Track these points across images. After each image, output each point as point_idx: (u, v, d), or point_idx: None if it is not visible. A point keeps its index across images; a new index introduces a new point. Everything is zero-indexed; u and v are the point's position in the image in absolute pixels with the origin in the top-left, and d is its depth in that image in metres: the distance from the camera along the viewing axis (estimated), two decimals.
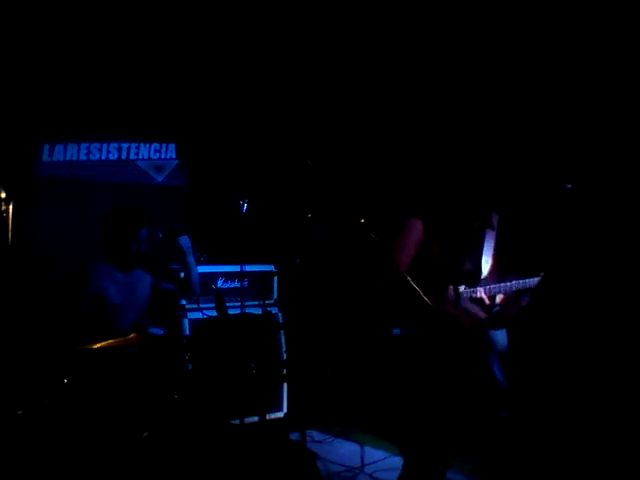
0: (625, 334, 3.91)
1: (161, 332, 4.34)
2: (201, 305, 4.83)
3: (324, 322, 5.25)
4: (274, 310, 5.21)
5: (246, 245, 4.69)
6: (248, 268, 4.97)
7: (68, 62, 4.83)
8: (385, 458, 4.49)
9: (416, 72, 5.01)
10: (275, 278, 5.24)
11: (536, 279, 3.41)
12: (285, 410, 5.13)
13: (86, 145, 5.21)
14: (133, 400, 3.44)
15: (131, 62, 5.10)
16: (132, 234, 3.91)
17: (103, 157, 5.30)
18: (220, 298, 4.00)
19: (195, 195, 5.75)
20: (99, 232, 3.97)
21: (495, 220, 3.69)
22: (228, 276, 5.02)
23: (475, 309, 3.55)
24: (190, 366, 3.73)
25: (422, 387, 3.44)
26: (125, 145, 5.42)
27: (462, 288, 3.61)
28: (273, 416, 5.01)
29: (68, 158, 5.13)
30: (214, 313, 4.33)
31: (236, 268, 4.91)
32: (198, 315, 4.78)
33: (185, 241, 4.14)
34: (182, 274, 4.27)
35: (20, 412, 3.26)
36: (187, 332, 4.73)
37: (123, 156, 5.41)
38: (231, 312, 4.18)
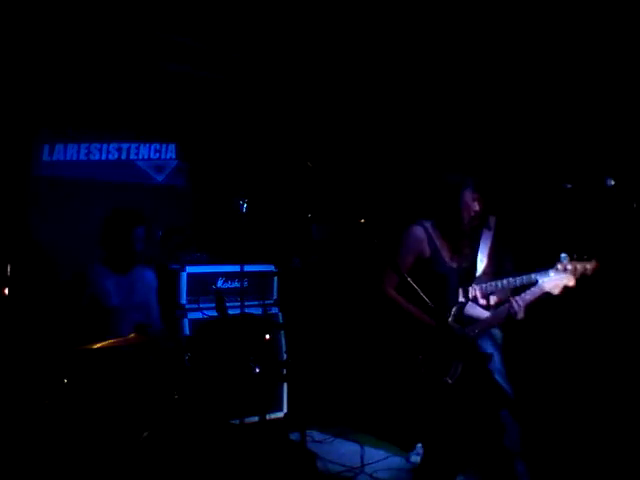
0: (625, 334, 3.91)
1: (160, 332, 4.33)
2: (201, 305, 4.83)
3: (324, 322, 5.25)
4: (274, 310, 5.21)
5: (246, 245, 4.69)
6: (248, 268, 4.97)
7: (68, 62, 4.82)
8: (385, 458, 4.49)
9: (416, 74, 5.01)
10: (275, 278, 5.24)
11: (532, 275, 3.41)
12: (285, 410, 5.13)
13: (86, 145, 5.21)
14: (133, 400, 3.44)
15: (131, 62, 5.09)
16: (127, 233, 3.91)
17: (103, 157, 5.30)
18: (220, 298, 4.00)
19: (195, 195, 5.75)
20: (98, 233, 3.98)
21: (492, 222, 3.71)
22: (228, 276, 5.01)
23: (478, 311, 3.56)
24: (190, 366, 3.72)
25: (426, 388, 3.45)
26: (125, 145, 5.41)
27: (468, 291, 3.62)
28: (273, 416, 5.01)
29: (68, 158, 5.13)
30: (214, 313, 4.32)
31: (236, 268, 4.91)
32: (198, 315, 4.78)
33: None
34: None
35: (20, 412, 3.26)
36: (187, 332, 4.73)
37: (123, 156, 5.41)
38: (231, 312, 4.18)
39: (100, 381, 3.50)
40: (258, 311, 5.09)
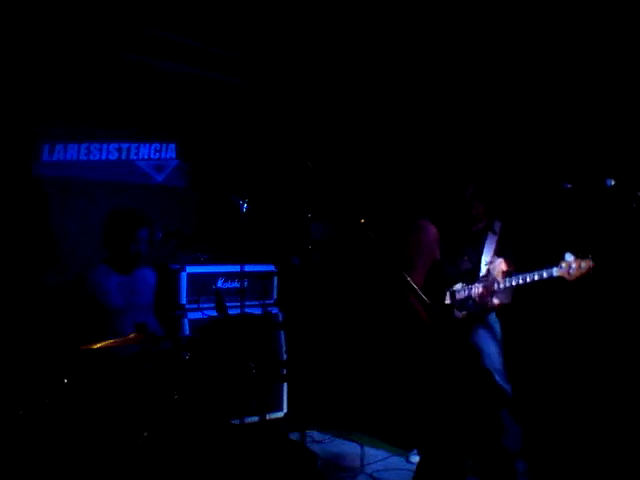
0: (626, 334, 3.91)
1: (161, 332, 4.34)
2: (201, 305, 4.83)
3: (324, 322, 5.25)
4: (274, 310, 5.21)
5: (246, 245, 4.70)
6: (248, 268, 4.97)
7: (68, 62, 4.82)
8: (385, 458, 4.49)
9: (417, 76, 5.01)
10: (275, 278, 5.25)
11: (538, 273, 3.43)
12: (285, 410, 5.13)
13: (86, 145, 5.21)
14: (133, 400, 3.44)
15: (131, 62, 5.10)
16: (131, 235, 3.91)
17: (103, 157, 5.30)
18: (220, 298, 4.00)
19: (195, 195, 5.75)
20: (99, 233, 3.98)
21: (498, 226, 3.75)
22: (228, 276, 5.01)
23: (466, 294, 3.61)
24: (190, 366, 3.72)
25: (425, 384, 3.46)
26: (125, 145, 5.41)
27: (459, 286, 3.64)
28: (273, 416, 5.01)
29: (68, 158, 5.13)
30: (214, 313, 4.33)
31: (236, 268, 4.92)
32: (198, 315, 4.78)
33: None
34: None
35: (20, 412, 3.25)
36: (187, 332, 4.73)
37: (123, 156, 5.41)
38: (231, 312, 4.18)
39: (100, 381, 3.50)
40: (258, 311, 5.09)
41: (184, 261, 4.92)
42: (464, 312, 3.65)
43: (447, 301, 3.65)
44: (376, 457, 4.49)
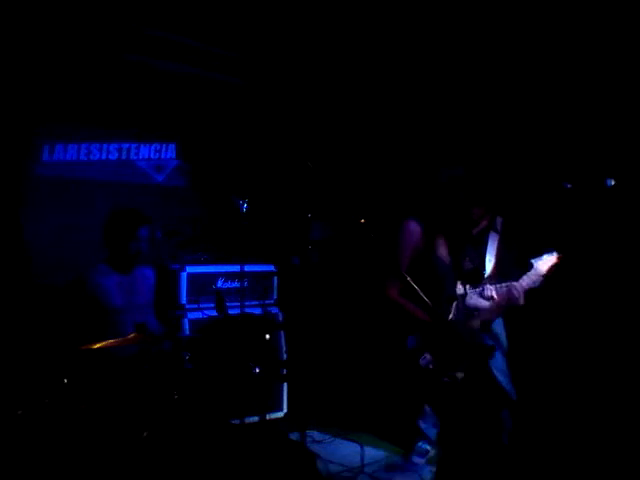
0: (625, 334, 3.91)
1: (161, 332, 4.34)
2: (201, 305, 4.83)
3: (324, 322, 5.24)
4: (274, 310, 5.21)
5: (246, 245, 4.69)
6: (248, 268, 4.97)
7: (69, 62, 4.82)
8: (385, 458, 4.48)
9: (416, 75, 5.01)
10: (275, 278, 5.24)
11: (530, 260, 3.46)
12: (285, 410, 5.13)
13: (86, 145, 5.21)
14: (133, 400, 3.44)
15: (131, 62, 5.10)
16: (131, 234, 3.91)
17: (103, 157, 5.30)
18: (220, 298, 4.00)
19: (195, 195, 5.75)
20: (99, 232, 3.98)
21: (499, 224, 3.74)
22: (228, 276, 5.01)
23: (480, 302, 3.58)
24: (190, 366, 3.72)
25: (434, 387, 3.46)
26: (125, 145, 5.41)
27: (467, 287, 3.63)
28: (273, 416, 5.01)
29: (68, 158, 5.13)
30: (214, 313, 4.32)
31: (236, 268, 4.92)
32: (198, 315, 4.78)
33: None
34: None
35: (20, 412, 3.25)
36: (187, 332, 4.73)
37: (123, 156, 5.41)
38: (231, 312, 4.17)
39: (100, 381, 3.50)
40: (258, 311, 5.09)
41: (184, 261, 4.92)
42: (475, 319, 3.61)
43: (453, 311, 3.61)
44: (376, 457, 4.48)
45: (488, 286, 3.58)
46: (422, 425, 4.26)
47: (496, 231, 3.74)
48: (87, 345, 3.34)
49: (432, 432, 4.26)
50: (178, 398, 3.50)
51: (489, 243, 3.73)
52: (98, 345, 3.35)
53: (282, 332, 5.15)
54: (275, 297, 5.24)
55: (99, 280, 3.91)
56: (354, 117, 5.49)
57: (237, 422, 4.39)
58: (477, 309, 3.57)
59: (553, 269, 3.46)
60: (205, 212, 5.70)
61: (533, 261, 3.51)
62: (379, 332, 4.86)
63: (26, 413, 3.25)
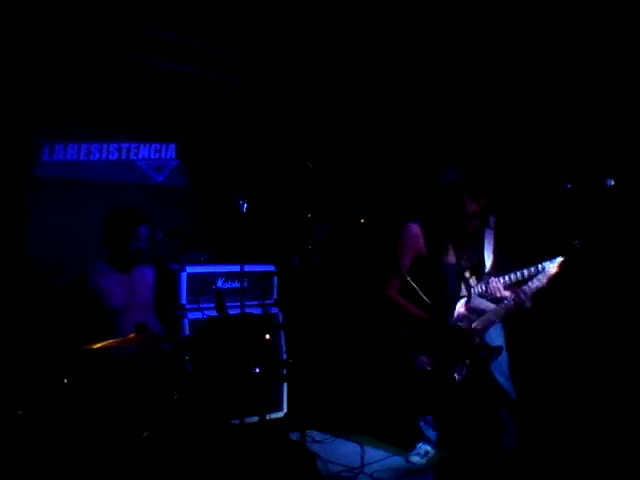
0: (625, 334, 3.91)
1: (162, 331, 4.34)
2: (201, 305, 4.83)
3: (324, 322, 5.24)
4: (274, 310, 5.21)
5: (246, 245, 4.69)
6: (248, 268, 4.97)
7: (68, 62, 4.82)
8: (385, 458, 4.48)
9: (415, 74, 5.01)
10: (275, 278, 5.24)
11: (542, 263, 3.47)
12: (285, 410, 5.13)
13: (86, 145, 5.21)
14: (133, 400, 3.44)
15: (131, 62, 5.10)
16: (131, 233, 3.91)
17: (103, 157, 5.30)
18: (220, 298, 4.00)
19: (195, 195, 5.75)
20: (99, 232, 3.98)
21: (492, 221, 3.75)
22: (228, 276, 5.01)
23: (485, 304, 3.59)
24: (190, 366, 3.72)
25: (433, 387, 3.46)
26: (125, 145, 5.41)
27: (473, 284, 3.63)
28: (273, 416, 5.01)
29: (68, 158, 5.13)
30: (214, 313, 4.32)
31: (236, 268, 4.92)
32: (198, 315, 4.78)
33: None
34: None
35: (20, 412, 3.25)
36: (187, 332, 4.73)
37: (123, 156, 5.41)
38: (231, 312, 4.17)
39: (100, 381, 3.50)
40: (258, 311, 5.09)
41: (184, 261, 4.92)
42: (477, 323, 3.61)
43: (461, 309, 3.60)
44: (376, 457, 4.48)
45: (493, 278, 3.58)
46: (422, 426, 4.27)
47: (490, 228, 3.75)
48: (87, 345, 3.34)
49: (432, 433, 4.27)
50: (178, 398, 3.50)
51: (485, 240, 3.74)
52: (98, 345, 3.35)
53: (282, 332, 5.15)
54: (275, 297, 5.24)
55: (99, 279, 3.91)
56: (354, 117, 5.49)
57: (237, 422, 4.39)
58: (481, 311, 3.57)
59: (558, 271, 3.46)
60: (205, 212, 5.70)
61: (545, 264, 3.50)
62: (379, 332, 4.86)
63: (26, 413, 3.25)
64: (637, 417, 3.77)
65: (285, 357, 5.12)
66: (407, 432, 4.42)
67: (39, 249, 4.80)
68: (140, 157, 5.51)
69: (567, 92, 4.23)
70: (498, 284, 3.55)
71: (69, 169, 5.13)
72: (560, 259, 3.48)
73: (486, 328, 3.58)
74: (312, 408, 4.82)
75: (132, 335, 3.48)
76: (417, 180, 4.92)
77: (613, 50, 3.99)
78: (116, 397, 3.43)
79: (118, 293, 3.93)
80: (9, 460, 3.14)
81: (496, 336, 3.74)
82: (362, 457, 4.37)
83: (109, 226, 3.94)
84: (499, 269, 3.68)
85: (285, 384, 5.12)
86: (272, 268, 5.23)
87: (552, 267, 3.49)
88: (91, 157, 5.24)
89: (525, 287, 3.52)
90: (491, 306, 3.58)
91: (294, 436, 4.36)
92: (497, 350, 3.58)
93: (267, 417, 4.82)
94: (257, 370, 3.98)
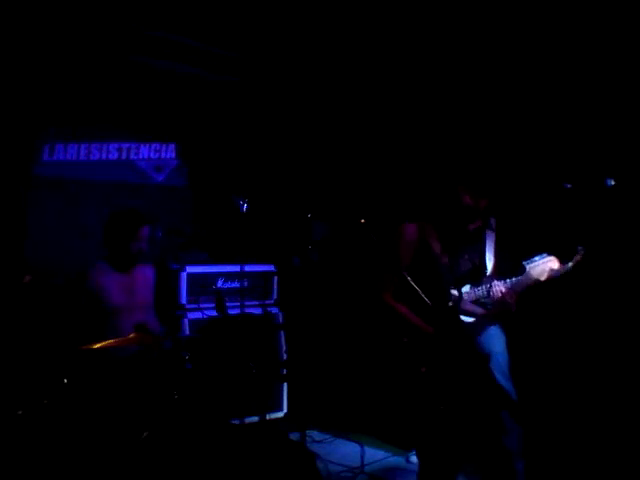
0: (625, 334, 3.91)
1: (162, 331, 4.34)
2: (201, 305, 4.83)
3: (324, 322, 5.25)
4: (274, 310, 5.21)
5: (246, 245, 4.69)
6: (248, 268, 4.97)
7: (69, 62, 4.83)
8: (385, 458, 4.49)
9: (415, 75, 5.01)
10: (275, 278, 5.24)
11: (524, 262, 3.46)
12: (285, 410, 5.13)
13: (86, 145, 5.21)
14: (133, 400, 3.44)
15: (131, 62, 5.10)
16: (133, 234, 3.91)
17: (103, 157, 5.30)
18: (220, 298, 3.99)
19: (195, 195, 5.75)
20: (99, 232, 3.98)
21: (493, 222, 3.73)
22: (228, 276, 5.01)
23: (478, 310, 3.57)
24: (190, 366, 3.72)
25: (423, 386, 3.45)
26: (125, 145, 5.42)
27: (467, 288, 3.62)
28: (273, 416, 5.01)
29: (68, 158, 5.13)
30: (214, 313, 4.32)
31: (236, 268, 4.91)
32: (198, 315, 4.78)
33: None
34: None
35: (20, 412, 3.25)
36: (187, 332, 4.73)
37: (123, 156, 5.41)
38: (231, 312, 4.17)
39: (100, 381, 3.50)
40: (258, 311, 5.09)
41: (184, 261, 4.91)
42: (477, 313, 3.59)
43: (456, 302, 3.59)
44: (376, 457, 4.48)
45: (495, 282, 3.56)
46: None
47: (491, 229, 3.73)
48: (87, 345, 3.34)
49: None
50: (178, 398, 3.50)
51: (487, 241, 3.72)
52: (98, 345, 3.35)
53: (282, 332, 5.15)
54: (275, 297, 5.24)
55: (99, 279, 3.91)
56: (353, 117, 5.49)
57: (237, 422, 4.39)
58: (472, 314, 3.56)
59: (550, 275, 3.44)
60: (205, 212, 5.70)
61: (525, 264, 3.49)
62: (379, 332, 4.86)
63: (26, 413, 3.25)
64: (637, 417, 3.77)
65: (285, 357, 5.12)
66: (407, 432, 4.42)
67: (39, 249, 4.80)
68: (140, 157, 5.51)
69: (567, 92, 4.23)
70: (501, 288, 3.54)
71: (69, 169, 5.13)
72: (541, 258, 3.46)
73: (476, 331, 3.58)
74: (312, 408, 4.82)
75: (132, 335, 3.47)
76: (417, 180, 4.92)
77: (613, 50, 3.99)
78: (116, 397, 3.43)
79: (118, 293, 3.92)
80: (9, 460, 3.14)
81: (496, 336, 3.73)
82: (362, 457, 4.38)
83: (111, 227, 3.93)
84: (500, 272, 3.67)
85: (285, 384, 5.12)
86: (272, 268, 5.23)
87: (532, 267, 3.47)
88: (91, 157, 5.25)
89: (510, 290, 3.50)
90: (479, 310, 3.57)
91: (294, 436, 4.37)
92: (484, 358, 3.57)
93: (267, 417, 4.82)
94: (257, 370, 3.98)
